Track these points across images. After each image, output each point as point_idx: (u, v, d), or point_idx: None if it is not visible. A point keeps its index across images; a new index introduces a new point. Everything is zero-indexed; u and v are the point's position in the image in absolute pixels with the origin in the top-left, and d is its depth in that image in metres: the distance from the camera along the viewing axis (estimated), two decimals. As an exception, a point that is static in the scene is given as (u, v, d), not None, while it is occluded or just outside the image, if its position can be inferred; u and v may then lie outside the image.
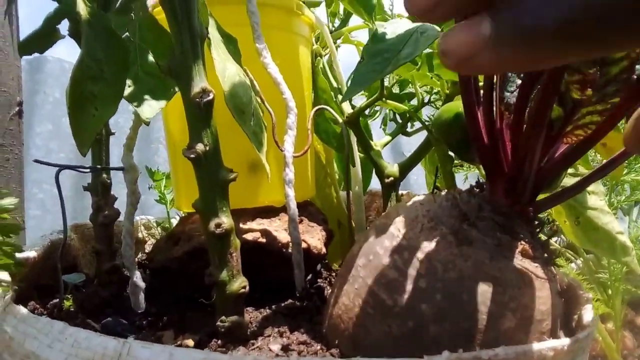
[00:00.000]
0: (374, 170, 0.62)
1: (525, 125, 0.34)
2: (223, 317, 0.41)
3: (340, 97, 0.63)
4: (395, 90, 0.76)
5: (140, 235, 0.86)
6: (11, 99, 0.91)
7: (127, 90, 0.49)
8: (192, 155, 0.39)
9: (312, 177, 0.61)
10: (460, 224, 0.35)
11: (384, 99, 0.56)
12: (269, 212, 0.56)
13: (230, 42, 0.48)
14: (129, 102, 0.48)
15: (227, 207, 0.41)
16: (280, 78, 0.48)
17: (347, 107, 0.60)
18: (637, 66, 0.32)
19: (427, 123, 0.63)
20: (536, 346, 0.29)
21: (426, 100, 0.67)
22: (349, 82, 0.47)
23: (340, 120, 0.53)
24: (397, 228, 0.36)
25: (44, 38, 0.43)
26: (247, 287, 0.42)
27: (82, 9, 0.44)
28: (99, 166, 0.50)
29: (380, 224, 0.38)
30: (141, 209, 1.49)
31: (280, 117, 0.49)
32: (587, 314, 0.35)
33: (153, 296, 0.54)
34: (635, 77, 0.31)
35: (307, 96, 0.58)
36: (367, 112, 0.69)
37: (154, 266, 0.55)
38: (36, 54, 0.49)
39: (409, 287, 0.33)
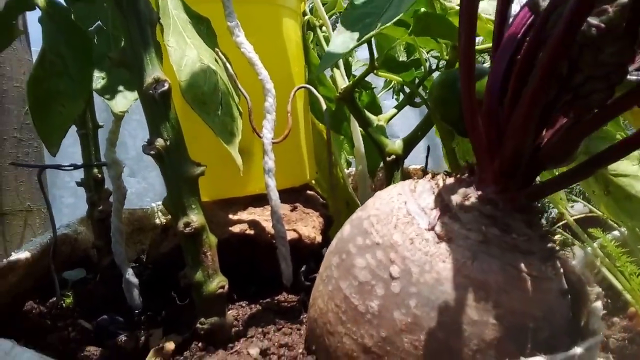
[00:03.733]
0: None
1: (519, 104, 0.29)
2: (202, 319, 0.39)
3: (336, 71, 0.58)
4: (403, 57, 0.70)
5: (157, 221, 0.86)
6: (24, 93, 0.92)
7: (100, 83, 0.47)
8: (152, 152, 0.36)
9: (309, 159, 0.57)
10: (441, 217, 0.30)
11: (375, 70, 0.51)
12: (262, 199, 0.53)
13: (202, 23, 0.44)
14: (100, 95, 0.46)
15: (197, 204, 0.38)
16: (256, 58, 0.44)
17: (343, 83, 0.55)
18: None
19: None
20: (521, 363, 0.24)
21: (434, 67, 0.61)
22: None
23: (322, 100, 0.49)
24: (371, 223, 0.32)
25: (0, 35, 0.41)
26: (226, 287, 0.39)
27: (40, 0, 0.41)
28: (80, 164, 0.49)
29: (356, 217, 0.34)
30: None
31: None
32: (594, 317, 0.30)
33: (154, 290, 0.53)
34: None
35: (295, 74, 0.53)
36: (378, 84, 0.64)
37: (149, 261, 0.54)
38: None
39: (380, 291, 0.29)
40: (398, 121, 0.82)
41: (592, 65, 0.26)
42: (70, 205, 1.34)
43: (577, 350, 0.26)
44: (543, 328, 0.28)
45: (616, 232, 1.04)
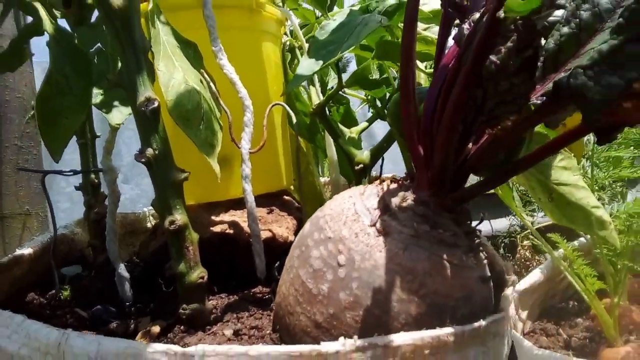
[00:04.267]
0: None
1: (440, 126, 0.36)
2: (184, 305, 0.45)
3: (312, 88, 0.64)
4: (377, 75, 0.77)
5: (149, 225, 0.91)
6: (26, 104, 0.98)
7: (99, 98, 0.53)
8: (143, 160, 0.42)
9: (286, 168, 0.63)
10: (381, 215, 0.37)
11: (343, 89, 0.57)
12: (243, 203, 0.59)
13: (189, 47, 0.51)
14: (98, 109, 0.52)
15: (181, 205, 0.44)
16: (236, 78, 0.50)
17: (317, 99, 0.62)
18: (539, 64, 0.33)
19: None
20: (435, 332, 0.31)
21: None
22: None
23: (293, 116, 0.55)
24: (326, 221, 0.38)
25: (12, 58, 0.47)
26: (206, 277, 0.45)
27: (49, 27, 0.48)
28: (79, 170, 0.55)
29: (314, 216, 0.41)
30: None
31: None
32: (504, 298, 0.36)
33: (143, 286, 0.59)
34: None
35: (274, 92, 0.60)
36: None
37: (139, 260, 0.60)
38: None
39: (330, 276, 0.36)
40: (380, 131, 0.88)
41: (494, 94, 0.33)
42: (66, 209, 1.39)
43: (482, 323, 0.32)
44: (462, 307, 0.35)
45: (582, 239, 1.11)
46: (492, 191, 0.98)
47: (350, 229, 0.37)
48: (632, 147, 0.83)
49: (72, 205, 1.42)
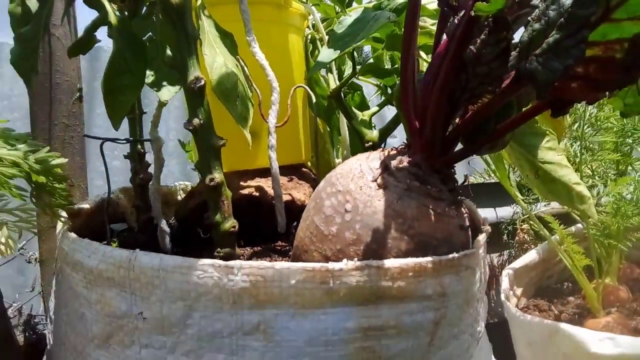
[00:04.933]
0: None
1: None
2: (219, 249, 0.55)
3: (330, 75, 0.73)
4: (389, 65, 0.85)
5: (179, 197, 1.02)
6: (73, 87, 1.09)
7: (150, 79, 0.63)
8: (190, 127, 0.52)
9: (305, 144, 0.73)
10: (382, 173, 0.46)
11: (357, 76, 0.66)
12: (267, 172, 0.68)
13: (227, 37, 0.60)
14: (151, 88, 0.62)
15: (219, 167, 0.54)
16: (266, 63, 0.60)
17: (334, 84, 0.71)
18: (512, 53, 0.41)
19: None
20: (417, 259, 0.40)
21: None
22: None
23: (313, 97, 0.64)
24: (337, 178, 0.48)
25: (85, 44, 0.57)
26: (237, 227, 0.55)
27: (113, 19, 0.58)
28: (131, 138, 0.65)
29: (327, 175, 0.50)
30: (187, 176, 1.69)
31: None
32: (477, 242, 0.45)
33: (179, 242, 0.69)
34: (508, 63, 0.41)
35: (298, 76, 0.69)
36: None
37: (178, 218, 0.70)
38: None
39: (338, 220, 0.45)
40: (391, 116, 0.97)
41: (473, 77, 0.41)
42: (99, 186, 1.51)
43: (456, 255, 0.41)
44: (442, 246, 0.44)
45: (579, 225, 1.19)
46: (496, 180, 1.06)
47: (356, 183, 0.46)
48: (616, 134, 0.90)
49: (105, 182, 1.54)
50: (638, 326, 0.95)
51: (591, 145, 0.80)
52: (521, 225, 1.23)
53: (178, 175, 1.67)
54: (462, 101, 0.44)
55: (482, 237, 0.46)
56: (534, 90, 0.42)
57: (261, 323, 0.38)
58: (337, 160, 0.85)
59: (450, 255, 0.41)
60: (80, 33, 1.16)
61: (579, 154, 0.82)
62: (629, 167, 1.06)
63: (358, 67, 0.71)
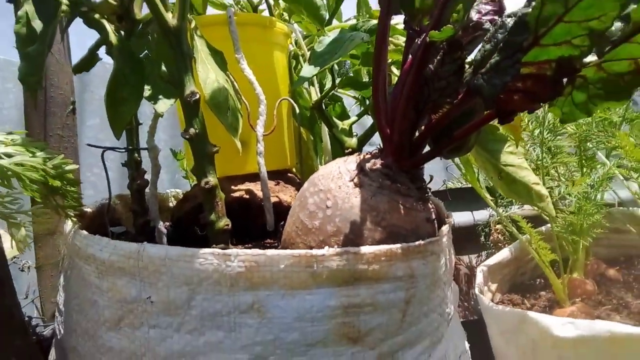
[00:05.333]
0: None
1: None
2: (214, 245, 0.60)
3: (312, 88, 0.80)
4: (366, 79, 0.93)
5: (170, 204, 1.07)
6: (66, 100, 1.14)
7: (147, 93, 0.69)
8: (187, 136, 0.58)
9: (290, 151, 0.79)
10: (358, 174, 0.52)
11: (336, 89, 0.73)
12: (256, 177, 0.75)
13: (217, 55, 0.67)
14: (148, 101, 0.68)
15: (213, 171, 0.60)
16: (254, 78, 0.67)
17: (315, 96, 0.78)
18: (468, 69, 0.48)
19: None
20: (389, 246, 0.46)
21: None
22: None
23: (297, 109, 0.71)
24: (319, 179, 0.54)
25: (88, 62, 0.63)
26: (230, 225, 0.61)
27: (114, 39, 0.64)
28: (130, 147, 0.70)
29: (311, 177, 0.56)
30: (175, 184, 1.73)
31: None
32: (441, 232, 0.52)
33: (176, 242, 0.74)
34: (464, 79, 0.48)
35: (282, 90, 0.76)
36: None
37: (174, 219, 0.76)
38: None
39: (320, 215, 0.51)
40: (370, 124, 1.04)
41: (433, 90, 0.49)
42: (90, 196, 1.55)
43: (422, 242, 0.48)
44: (411, 236, 0.50)
45: (549, 225, 1.27)
46: (471, 185, 1.14)
47: (335, 183, 0.52)
48: (575, 140, 0.99)
49: (96, 192, 1.58)
50: (601, 315, 1.03)
51: (554, 149, 0.88)
52: (495, 226, 1.31)
53: (167, 184, 1.72)
54: (426, 111, 0.52)
55: (445, 228, 0.53)
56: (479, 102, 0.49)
57: (255, 303, 0.44)
58: (319, 166, 0.91)
59: (417, 242, 0.48)
60: (72, 49, 1.21)
61: (540, 157, 0.90)
62: (593, 170, 1.15)
63: (338, 80, 0.78)
